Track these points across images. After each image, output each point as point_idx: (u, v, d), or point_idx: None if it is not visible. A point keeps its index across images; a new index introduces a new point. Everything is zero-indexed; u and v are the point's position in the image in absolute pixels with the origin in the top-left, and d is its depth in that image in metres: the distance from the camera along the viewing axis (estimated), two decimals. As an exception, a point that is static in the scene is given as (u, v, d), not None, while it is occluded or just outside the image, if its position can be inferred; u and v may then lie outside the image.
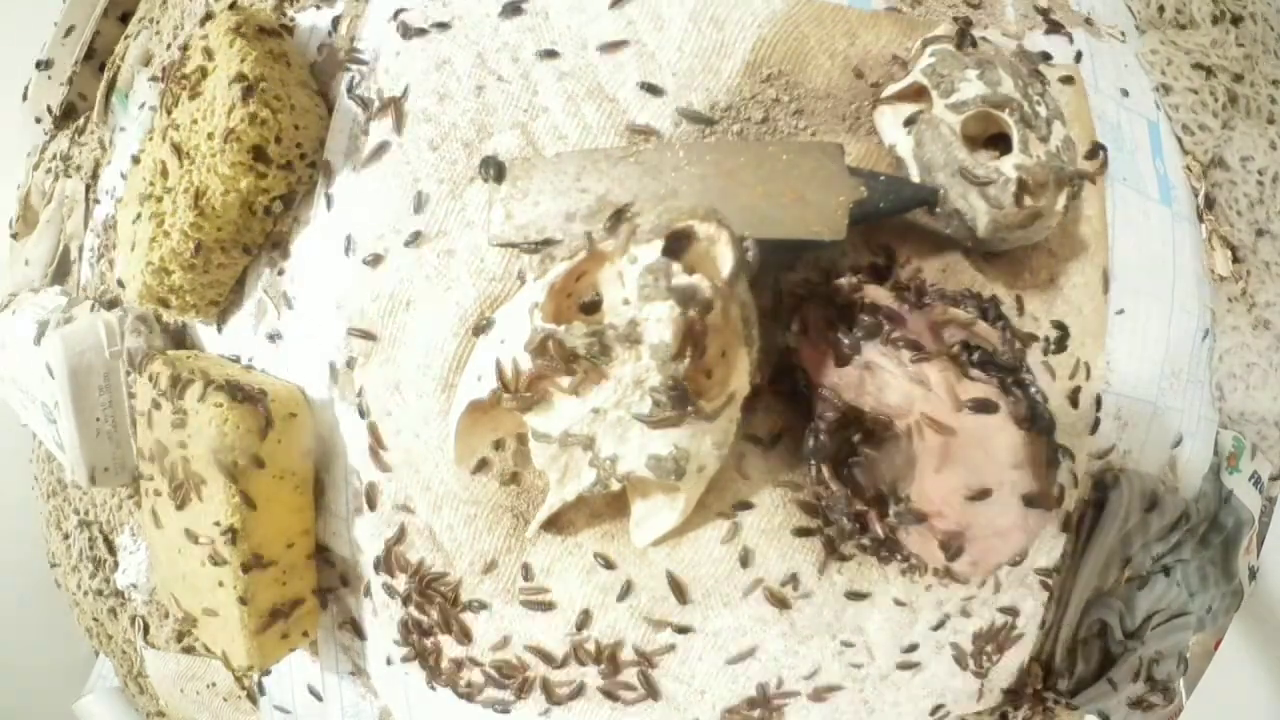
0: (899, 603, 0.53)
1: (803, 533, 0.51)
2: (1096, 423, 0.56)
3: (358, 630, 0.58)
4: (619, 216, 0.44)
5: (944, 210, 0.50)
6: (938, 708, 0.56)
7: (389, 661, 0.57)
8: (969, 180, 0.48)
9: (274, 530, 0.53)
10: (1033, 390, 0.46)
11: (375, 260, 0.53)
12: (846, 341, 0.47)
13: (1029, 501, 0.45)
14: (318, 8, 0.58)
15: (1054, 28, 0.59)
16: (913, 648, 0.54)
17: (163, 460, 0.55)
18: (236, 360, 0.59)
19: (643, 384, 0.42)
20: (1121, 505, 0.55)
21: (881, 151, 0.53)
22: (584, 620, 0.52)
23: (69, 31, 0.77)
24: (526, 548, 0.52)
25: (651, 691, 0.53)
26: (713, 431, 0.44)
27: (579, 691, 0.54)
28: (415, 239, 0.52)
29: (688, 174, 0.47)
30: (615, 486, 0.45)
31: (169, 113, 0.56)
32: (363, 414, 0.54)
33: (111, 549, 0.75)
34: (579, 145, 0.51)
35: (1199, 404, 0.61)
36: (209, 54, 0.54)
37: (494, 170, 0.48)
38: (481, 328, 0.49)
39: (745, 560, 0.51)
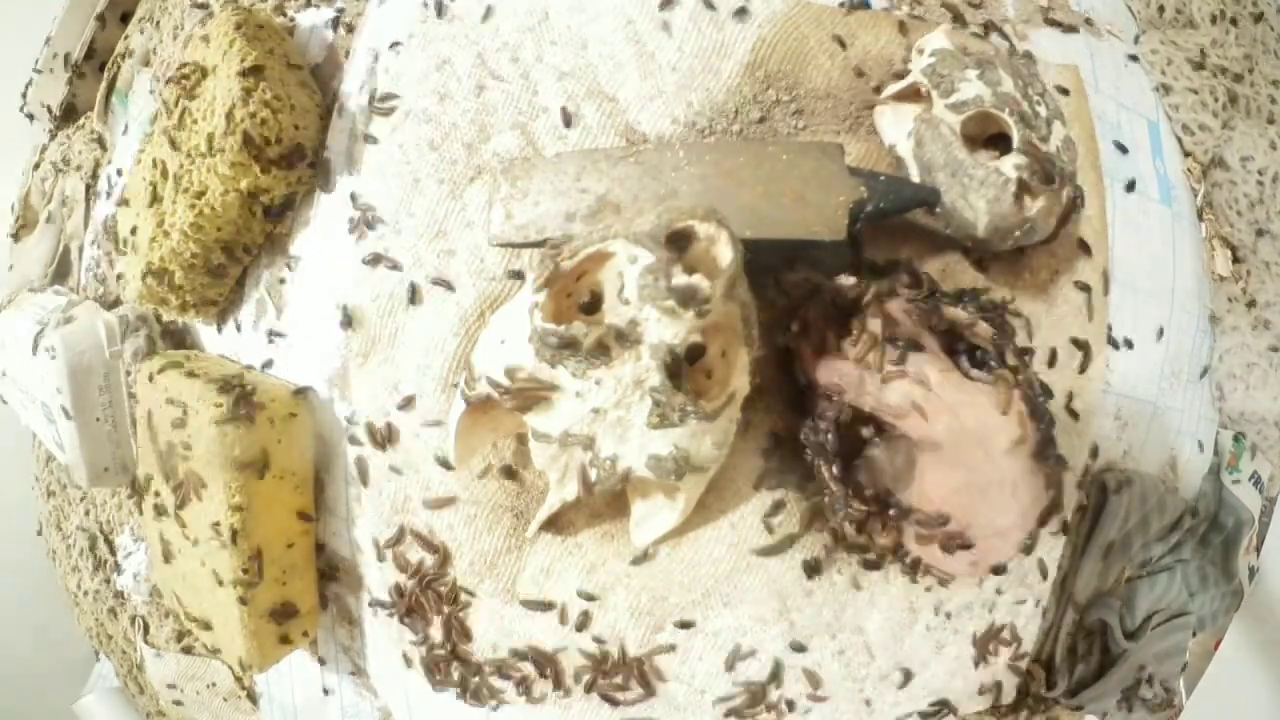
0: (899, 603, 0.53)
1: (803, 533, 0.51)
2: (1096, 423, 0.56)
3: (358, 630, 0.58)
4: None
5: (944, 210, 0.50)
6: (938, 708, 0.56)
7: (389, 660, 0.57)
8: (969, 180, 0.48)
9: (274, 530, 0.53)
10: (1032, 390, 0.46)
11: (375, 260, 0.53)
12: (844, 341, 0.47)
13: (1029, 502, 0.45)
14: (317, 7, 0.58)
15: (1054, 27, 0.59)
16: (913, 648, 0.54)
17: (163, 460, 0.55)
18: (236, 360, 0.59)
19: (643, 384, 0.42)
20: (1121, 505, 0.55)
21: (881, 151, 0.53)
22: (583, 620, 0.52)
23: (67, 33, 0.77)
24: (526, 548, 0.52)
25: (651, 691, 0.53)
26: (713, 431, 0.44)
27: (579, 691, 0.54)
28: (415, 240, 0.52)
29: (688, 174, 0.47)
30: (615, 486, 0.45)
31: (169, 112, 0.56)
32: (361, 414, 0.54)
33: (111, 549, 0.75)
34: (579, 145, 0.51)
35: (1199, 404, 0.61)
36: (209, 54, 0.54)
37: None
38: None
39: (745, 560, 0.51)
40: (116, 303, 0.68)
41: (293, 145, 0.53)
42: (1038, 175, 0.47)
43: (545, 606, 0.53)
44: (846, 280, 0.48)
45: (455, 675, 0.55)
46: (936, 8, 0.57)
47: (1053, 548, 0.56)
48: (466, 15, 0.54)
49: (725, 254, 0.43)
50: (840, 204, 0.46)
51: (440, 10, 0.54)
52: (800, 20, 0.53)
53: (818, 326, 0.48)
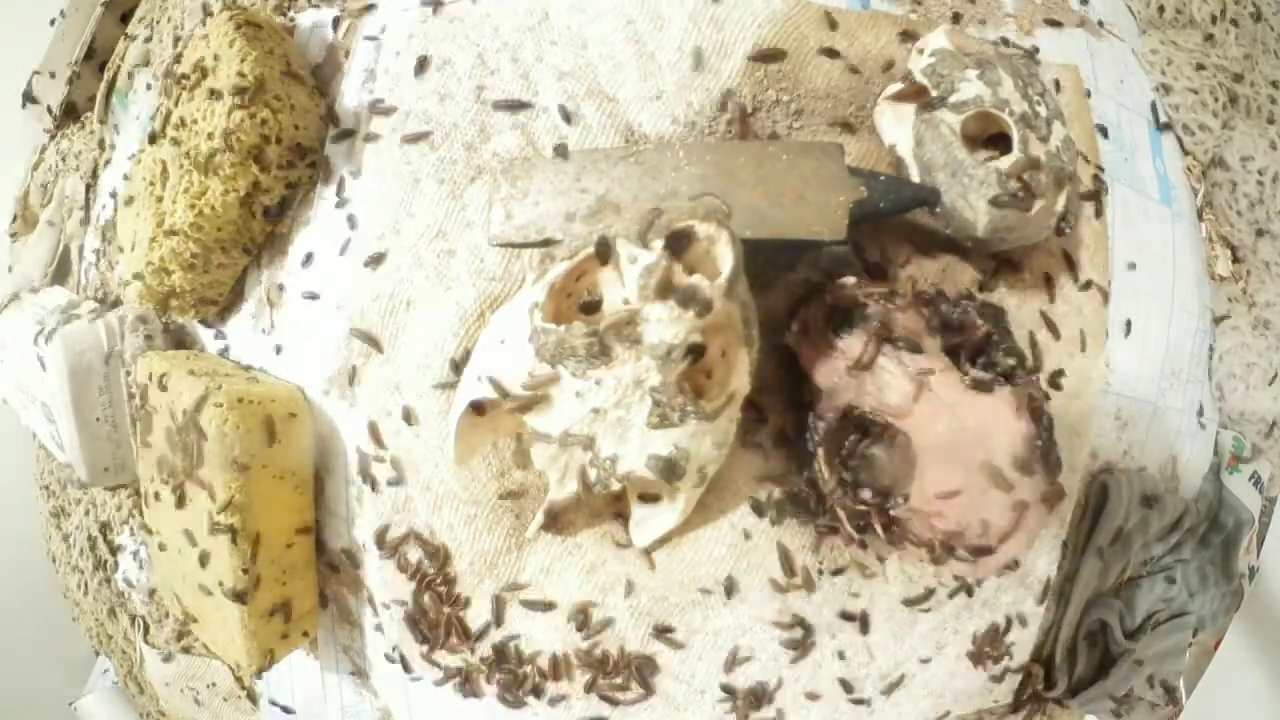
0: (899, 602, 0.53)
1: (803, 532, 0.51)
2: (1096, 423, 0.56)
3: (358, 630, 0.58)
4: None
5: (944, 210, 0.50)
6: (939, 708, 0.56)
7: (389, 661, 0.57)
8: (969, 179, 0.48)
9: (274, 530, 0.53)
10: (1032, 390, 0.46)
11: (375, 260, 0.53)
12: (845, 341, 0.47)
13: (1029, 501, 0.45)
14: (317, 7, 0.58)
15: (1053, 27, 0.59)
16: (913, 648, 0.54)
17: (163, 460, 0.55)
18: (236, 360, 0.59)
19: (643, 384, 0.42)
20: (1121, 505, 0.55)
21: (881, 151, 0.53)
22: (583, 620, 0.52)
23: (66, 34, 0.77)
24: (526, 548, 0.52)
25: (651, 691, 0.53)
26: (713, 431, 0.44)
27: (579, 691, 0.54)
28: (415, 240, 0.52)
29: (688, 174, 0.47)
30: (615, 486, 0.45)
31: (169, 113, 0.56)
32: (361, 415, 0.54)
33: (111, 549, 0.75)
34: (579, 145, 0.51)
35: (1199, 404, 0.61)
36: (209, 54, 0.54)
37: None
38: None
39: (745, 560, 0.51)
40: (116, 303, 0.68)
41: (293, 145, 0.53)
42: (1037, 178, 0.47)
43: (545, 606, 0.53)
44: (846, 280, 0.48)
45: (455, 675, 0.55)
46: (936, 7, 0.57)
47: (1052, 548, 0.56)
48: (467, 15, 0.54)
49: (725, 254, 0.43)
50: (840, 204, 0.46)
51: (439, 10, 0.54)
52: (800, 20, 0.53)
53: (818, 326, 0.48)
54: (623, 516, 0.51)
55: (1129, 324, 0.57)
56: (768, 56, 0.52)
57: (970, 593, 0.54)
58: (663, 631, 0.52)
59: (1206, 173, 0.63)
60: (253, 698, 0.67)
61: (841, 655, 0.53)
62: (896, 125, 0.52)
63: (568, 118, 0.52)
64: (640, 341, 0.42)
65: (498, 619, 0.53)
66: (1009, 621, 0.56)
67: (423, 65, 0.54)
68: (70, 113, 0.81)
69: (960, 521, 0.46)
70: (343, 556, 0.56)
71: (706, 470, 0.46)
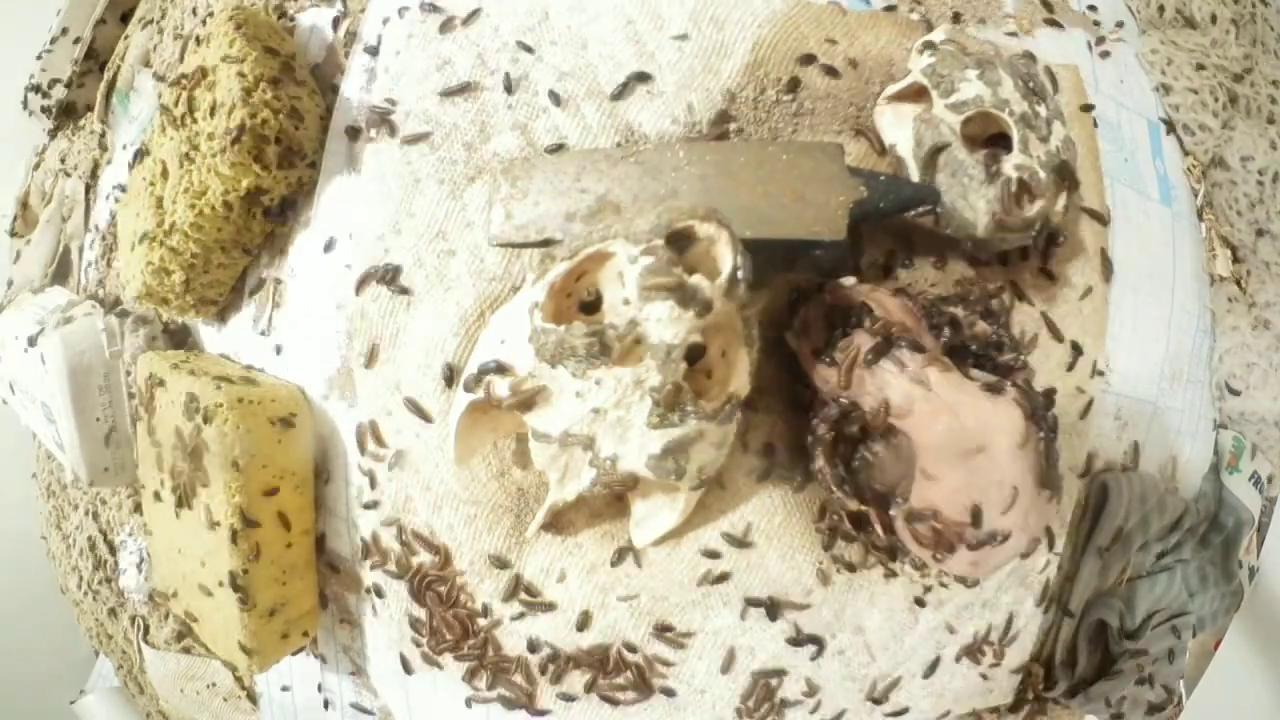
0: (899, 603, 0.53)
1: (803, 532, 0.51)
2: (1096, 423, 0.56)
3: (358, 630, 0.58)
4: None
5: (944, 210, 0.50)
6: (938, 708, 0.56)
7: (389, 660, 0.57)
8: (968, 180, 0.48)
9: (274, 530, 0.53)
10: (1033, 390, 0.46)
11: (376, 261, 0.53)
12: (844, 341, 0.47)
13: (1029, 501, 0.45)
14: (317, 8, 0.58)
15: (1054, 27, 0.59)
16: (913, 648, 0.54)
17: (163, 460, 0.55)
18: (236, 360, 0.59)
19: (643, 384, 0.42)
20: (1121, 505, 0.55)
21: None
22: (584, 620, 0.52)
23: (65, 32, 0.77)
24: (526, 548, 0.52)
25: (651, 691, 0.53)
26: (713, 431, 0.44)
27: (579, 692, 0.54)
28: (415, 240, 0.52)
29: (688, 174, 0.47)
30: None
31: (169, 113, 0.56)
32: (361, 415, 0.54)
33: (111, 549, 0.75)
34: (579, 145, 0.51)
35: (1199, 404, 0.61)
36: (209, 54, 0.54)
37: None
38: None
39: (745, 560, 0.51)
40: (116, 303, 0.68)
41: (293, 145, 0.53)
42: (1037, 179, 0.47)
43: (546, 606, 0.53)
44: (846, 280, 0.48)
45: (455, 675, 0.55)
46: (936, 8, 0.57)
47: (1052, 548, 0.56)
48: (466, 16, 0.54)
49: (725, 254, 0.43)
50: (840, 204, 0.46)
51: (438, 11, 0.54)
52: (800, 20, 0.53)
53: (818, 326, 0.48)
54: (623, 516, 0.51)
55: (1129, 324, 0.57)
56: (791, 86, 0.52)
57: (970, 593, 0.54)
58: (663, 631, 0.52)
59: (1206, 173, 0.63)
60: (253, 698, 0.67)
61: (841, 655, 0.53)
62: (896, 125, 0.52)
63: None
64: (640, 341, 0.42)
65: (498, 619, 0.53)
66: (1009, 621, 0.56)
67: (423, 65, 0.54)
68: (70, 113, 0.81)
69: (960, 521, 0.46)
70: (343, 557, 0.56)
71: (706, 470, 0.46)
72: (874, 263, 0.52)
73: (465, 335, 0.51)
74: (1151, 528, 0.57)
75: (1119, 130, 0.59)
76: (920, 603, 0.53)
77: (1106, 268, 0.56)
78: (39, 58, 0.78)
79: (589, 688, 0.53)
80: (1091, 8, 0.62)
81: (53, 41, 0.77)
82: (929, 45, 0.52)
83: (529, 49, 0.53)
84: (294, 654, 0.58)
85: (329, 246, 0.54)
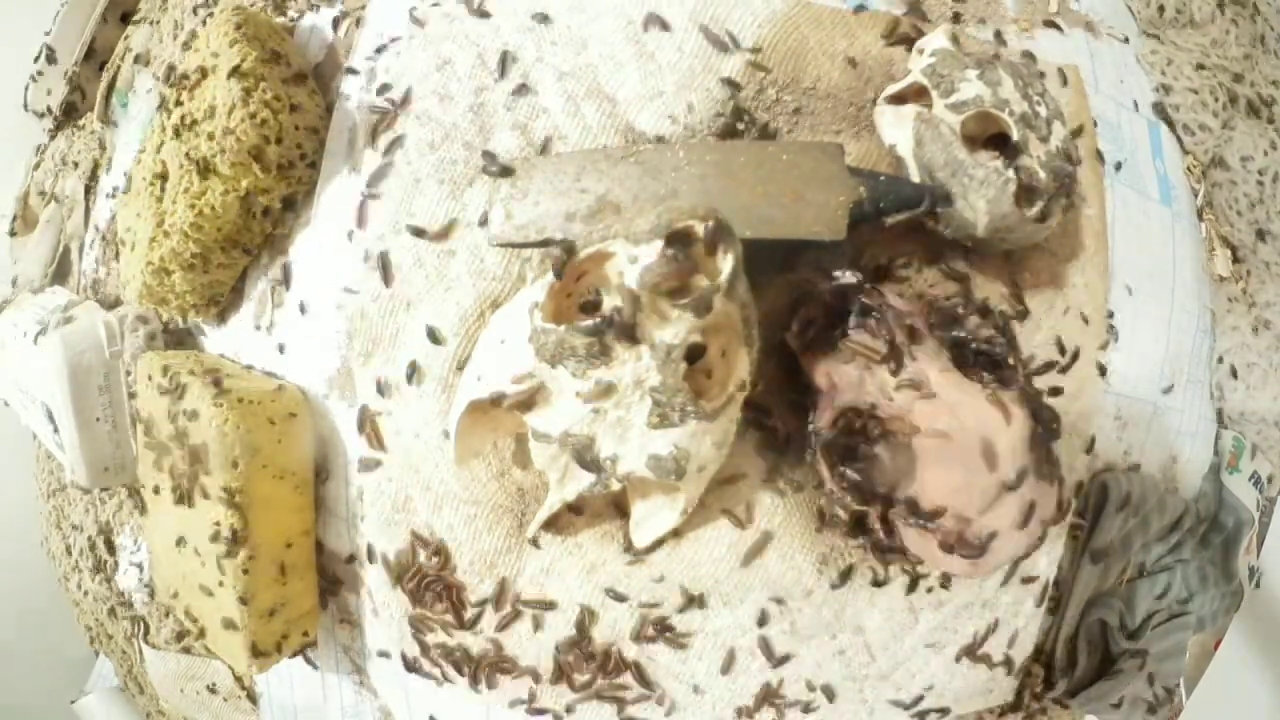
0: (899, 602, 0.53)
1: (803, 532, 0.51)
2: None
3: (358, 630, 0.58)
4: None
5: (944, 210, 0.50)
6: (938, 708, 0.56)
7: (389, 660, 0.57)
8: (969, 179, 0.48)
9: (274, 530, 0.53)
10: (1033, 390, 0.46)
11: (376, 260, 0.53)
12: (845, 341, 0.47)
13: (1030, 501, 0.45)
14: (317, 9, 0.58)
15: (1053, 28, 0.59)
16: (913, 647, 0.54)
17: (163, 460, 0.55)
18: (236, 360, 0.59)
19: (643, 384, 0.42)
20: (1121, 505, 0.55)
21: (881, 151, 0.53)
22: (583, 620, 0.52)
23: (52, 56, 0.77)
24: (526, 548, 0.52)
25: (651, 691, 0.53)
26: (713, 431, 0.44)
27: (579, 691, 0.54)
28: (415, 240, 0.52)
29: (688, 174, 0.47)
30: (615, 486, 0.45)
31: (169, 113, 0.56)
32: (361, 414, 0.54)
33: (111, 549, 0.75)
34: (579, 145, 0.51)
35: (1199, 404, 0.61)
36: (209, 54, 0.54)
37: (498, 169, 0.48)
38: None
39: (745, 560, 0.51)
40: (116, 303, 0.68)
41: (293, 145, 0.53)
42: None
43: (546, 606, 0.53)
44: (847, 280, 0.48)
45: (456, 675, 0.55)
46: (937, 8, 0.57)
47: (1052, 548, 0.56)
48: (467, 15, 0.54)
49: (725, 254, 0.43)
50: (840, 204, 0.46)
51: (439, 11, 0.54)
52: (800, 20, 0.53)
53: (818, 326, 0.48)
54: (623, 516, 0.51)
55: (1129, 324, 0.57)
56: (791, 86, 0.51)
57: (970, 593, 0.54)
58: (663, 631, 0.52)
59: (1206, 173, 0.63)
60: (253, 698, 0.67)
61: (842, 655, 0.53)
62: (896, 125, 0.52)
63: (568, 118, 0.52)
64: (640, 341, 0.42)
65: (497, 619, 0.53)
66: (1009, 621, 0.56)
67: (423, 65, 0.54)
68: (70, 113, 0.81)
69: (960, 521, 0.46)
70: (342, 556, 0.56)
71: (706, 470, 0.46)
72: (874, 263, 0.52)
73: (465, 335, 0.51)
74: (1151, 528, 0.57)
75: (1119, 130, 0.59)
76: (920, 603, 0.53)
77: (1106, 268, 0.56)
78: (33, 78, 0.79)
79: (589, 687, 0.53)
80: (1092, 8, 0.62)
81: (47, 61, 0.77)
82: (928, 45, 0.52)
83: (529, 49, 0.53)
84: (294, 654, 0.58)
85: (329, 247, 0.54)
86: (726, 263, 0.43)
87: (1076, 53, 0.59)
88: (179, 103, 0.55)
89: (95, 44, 0.78)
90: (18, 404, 0.73)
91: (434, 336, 0.51)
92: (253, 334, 0.58)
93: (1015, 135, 0.48)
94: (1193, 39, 0.64)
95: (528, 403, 0.45)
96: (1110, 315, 0.56)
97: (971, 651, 0.55)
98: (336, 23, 0.57)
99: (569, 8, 0.53)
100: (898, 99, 0.52)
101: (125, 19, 0.78)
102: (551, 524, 0.51)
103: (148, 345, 0.63)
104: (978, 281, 0.53)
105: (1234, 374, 0.63)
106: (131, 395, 0.64)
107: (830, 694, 0.54)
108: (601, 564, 0.52)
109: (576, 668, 0.53)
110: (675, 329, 0.41)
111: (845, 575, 0.52)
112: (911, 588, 0.53)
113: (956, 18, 0.57)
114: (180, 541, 0.55)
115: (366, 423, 0.54)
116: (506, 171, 0.49)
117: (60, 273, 0.78)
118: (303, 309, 0.55)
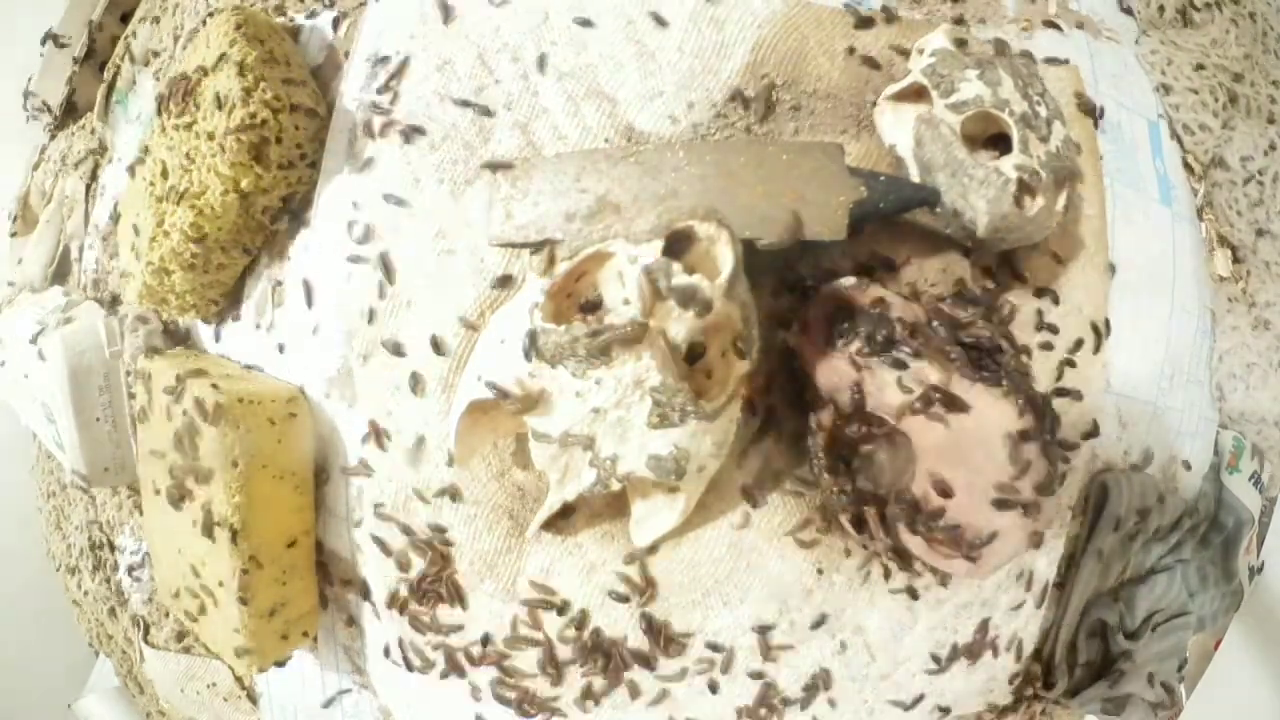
0: (899, 602, 0.53)
1: (803, 532, 0.51)
2: (1095, 423, 0.56)
3: (358, 630, 0.58)
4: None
5: (944, 210, 0.50)
6: (938, 708, 0.56)
7: (389, 660, 0.57)
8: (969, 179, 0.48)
9: (274, 530, 0.53)
10: (1032, 389, 0.46)
11: (375, 261, 0.53)
12: (845, 341, 0.47)
13: (1029, 502, 0.45)
14: (317, 8, 0.58)
15: (1053, 29, 0.59)
16: (913, 647, 0.54)
17: (163, 460, 0.55)
18: (236, 360, 0.59)
19: (643, 384, 0.42)
20: (1121, 505, 0.55)
21: (881, 151, 0.53)
22: (583, 620, 0.52)
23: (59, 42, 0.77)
24: (526, 548, 0.52)
25: (651, 691, 0.53)
26: (713, 431, 0.44)
27: (579, 691, 0.54)
28: (415, 240, 0.52)
29: (688, 174, 0.47)
30: (615, 486, 0.45)
31: (169, 113, 0.56)
32: (362, 414, 0.54)
33: (112, 549, 0.75)
34: (579, 145, 0.51)
35: (1199, 404, 0.61)
36: (209, 54, 0.54)
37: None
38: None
39: (745, 560, 0.51)
40: (116, 303, 0.68)
41: (293, 145, 0.53)
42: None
43: (545, 606, 0.53)
44: (847, 280, 0.48)
45: (455, 675, 0.55)
46: (937, 9, 0.57)
47: (1052, 548, 0.56)
48: (467, 15, 0.54)
49: (725, 254, 0.43)
50: (840, 204, 0.46)
51: (439, 11, 0.54)
52: (800, 20, 0.53)
53: (818, 326, 0.48)
54: (623, 516, 0.51)
55: (1129, 324, 0.57)
56: (791, 86, 0.51)
57: (969, 593, 0.54)
58: (663, 631, 0.52)
59: (1206, 173, 0.63)
60: (253, 698, 0.67)
61: (841, 654, 0.53)
62: (896, 125, 0.52)
63: (568, 118, 0.51)
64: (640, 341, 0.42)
65: (497, 619, 0.53)
66: (1008, 621, 0.56)
67: (423, 65, 0.54)
68: (70, 113, 0.81)
69: (960, 521, 0.46)
70: (342, 557, 0.56)
71: (706, 470, 0.46)
72: (874, 262, 0.52)
73: (465, 335, 0.51)
74: (1151, 528, 0.57)
75: (1119, 130, 0.59)
76: (920, 602, 0.53)
77: (1106, 268, 0.56)
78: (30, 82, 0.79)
79: (588, 687, 0.53)
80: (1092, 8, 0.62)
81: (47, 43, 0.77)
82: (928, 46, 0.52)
83: (529, 49, 0.53)
84: (294, 654, 0.58)
85: (329, 247, 0.54)
86: (726, 263, 0.43)
87: (1076, 53, 0.59)
88: (179, 103, 0.55)
89: (95, 44, 0.78)
90: (18, 403, 0.73)
91: (435, 337, 0.51)
92: (253, 334, 0.58)
93: (1015, 135, 0.48)
94: (1192, 39, 0.64)
95: (527, 403, 0.45)
96: (1110, 315, 0.56)
97: (971, 651, 0.55)
98: (336, 23, 0.57)
99: (569, 7, 0.53)
100: (898, 99, 0.52)
101: (125, 19, 0.78)
102: (551, 524, 0.51)
103: (147, 345, 0.63)
104: (978, 281, 0.53)
105: (1234, 374, 0.63)
106: (131, 395, 0.64)
107: (830, 694, 0.54)
108: (601, 564, 0.52)
109: (576, 668, 0.53)
110: (675, 329, 0.41)
111: (845, 575, 0.52)
112: (911, 588, 0.53)
113: (959, 20, 0.57)
114: (180, 542, 0.55)
115: (367, 422, 0.54)
116: (506, 171, 0.49)
117: (60, 273, 0.78)
118: (302, 309, 0.55)
